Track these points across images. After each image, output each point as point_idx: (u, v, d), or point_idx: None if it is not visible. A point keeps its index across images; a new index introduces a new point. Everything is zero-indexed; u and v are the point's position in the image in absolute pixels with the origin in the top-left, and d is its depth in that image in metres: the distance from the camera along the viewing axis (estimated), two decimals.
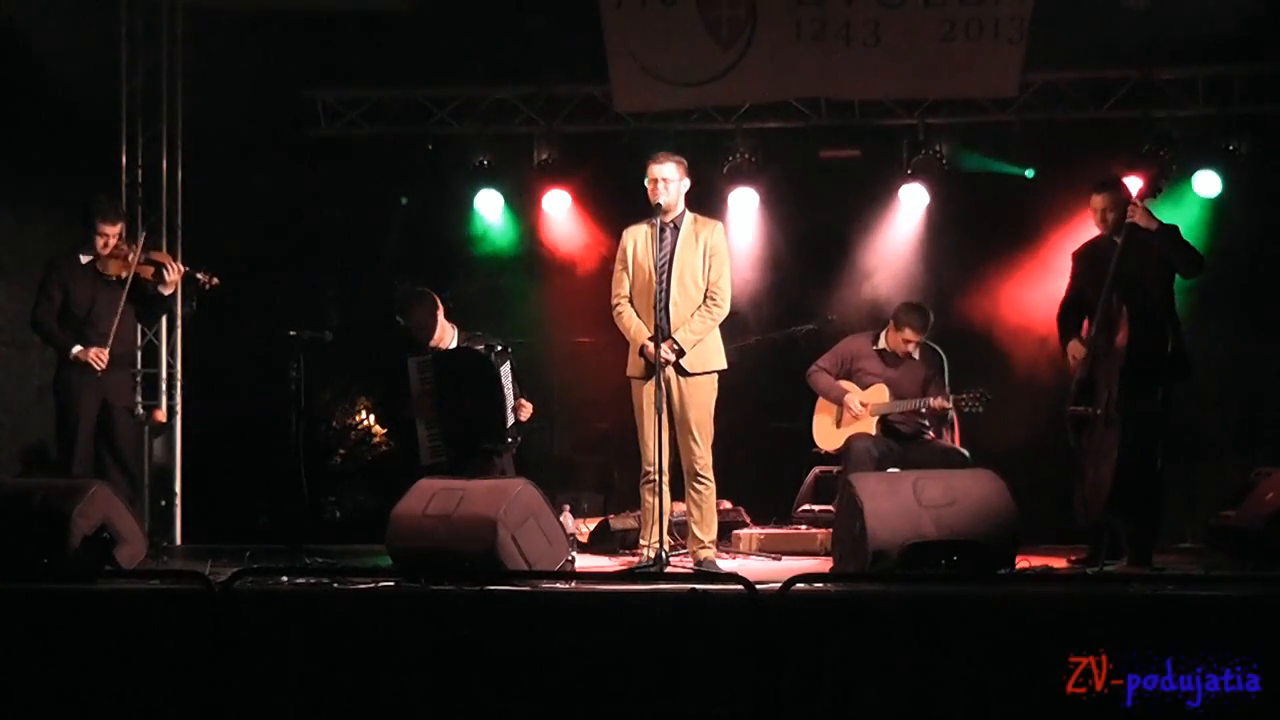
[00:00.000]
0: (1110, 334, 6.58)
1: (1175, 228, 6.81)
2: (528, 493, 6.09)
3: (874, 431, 7.57)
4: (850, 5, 8.52)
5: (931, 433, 7.66)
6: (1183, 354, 6.61)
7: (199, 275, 7.25)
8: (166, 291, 7.22)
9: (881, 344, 7.75)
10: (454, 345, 7.37)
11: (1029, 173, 9.14)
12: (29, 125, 8.35)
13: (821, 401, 7.87)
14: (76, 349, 7.07)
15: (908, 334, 7.61)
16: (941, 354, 7.74)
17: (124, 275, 7.16)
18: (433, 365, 7.22)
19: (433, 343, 7.36)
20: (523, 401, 7.27)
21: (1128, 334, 6.50)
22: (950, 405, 7.45)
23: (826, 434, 7.85)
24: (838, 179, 9.44)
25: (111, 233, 7.15)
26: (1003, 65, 8.54)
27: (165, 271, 7.15)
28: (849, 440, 7.49)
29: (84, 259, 7.19)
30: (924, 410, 7.52)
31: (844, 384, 7.74)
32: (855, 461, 7.26)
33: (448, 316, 7.46)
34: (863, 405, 7.61)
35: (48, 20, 8.15)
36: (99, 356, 7.03)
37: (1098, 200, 6.78)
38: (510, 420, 7.19)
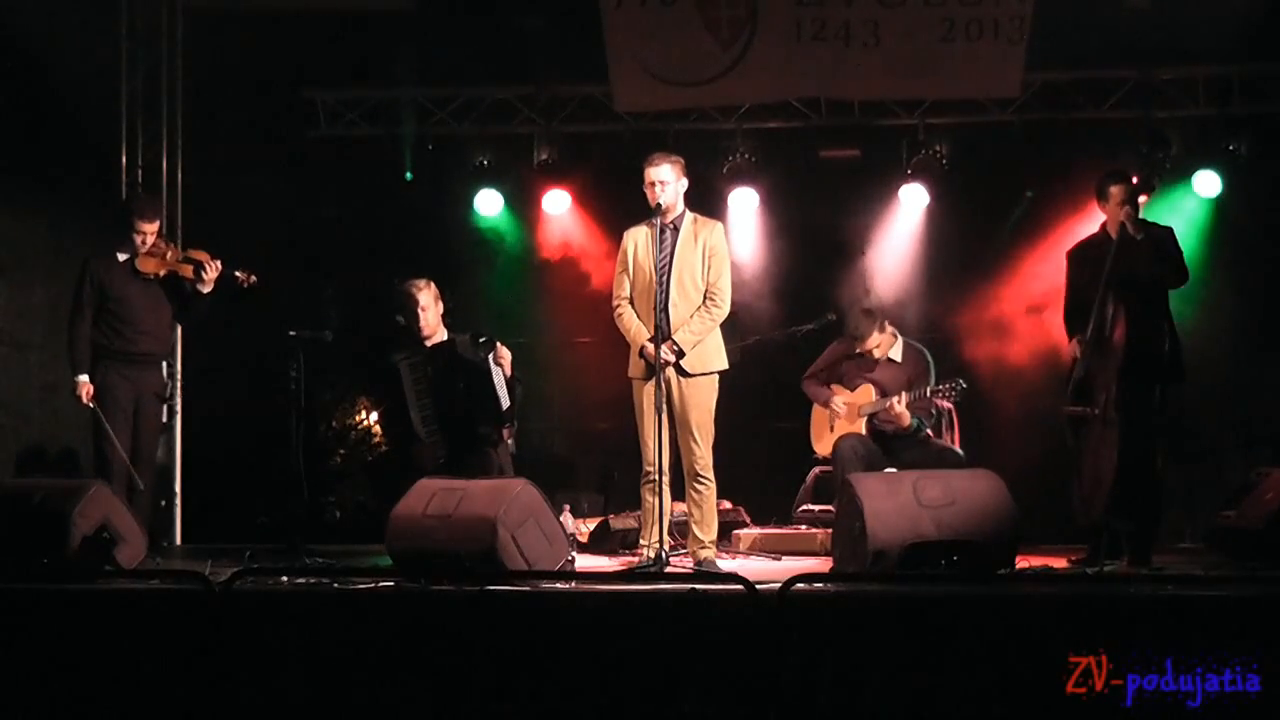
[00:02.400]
0: (1107, 333, 6.58)
1: (1170, 232, 6.80)
2: (528, 493, 6.09)
3: (863, 432, 7.58)
4: (850, 5, 8.52)
5: (929, 431, 7.64)
6: (1178, 354, 6.62)
7: (237, 274, 7.25)
8: (205, 290, 7.20)
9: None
10: (441, 340, 7.37)
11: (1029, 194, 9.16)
12: (29, 125, 8.35)
13: (816, 409, 7.90)
14: (81, 379, 7.11)
15: (859, 343, 7.61)
16: (927, 355, 7.72)
17: (160, 273, 7.23)
18: (422, 365, 7.24)
19: (421, 326, 7.31)
20: (499, 347, 7.21)
21: (1125, 333, 6.50)
22: (906, 414, 7.41)
23: (821, 439, 7.88)
24: (838, 179, 9.44)
25: (149, 230, 7.19)
26: (1003, 65, 8.54)
27: (204, 270, 7.16)
28: (837, 441, 7.49)
29: (121, 257, 7.23)
30: (889, 410, 7.48)
31: (834, 387, 7.77)
32: (844, 462, 7.26)
33: (446, 313, 7.44)
34: (845, 405, 7.62)
35: (48, 20, 8.15)
36: (87, 395, 7.10)
37: (1116, 192, 6.74)
38: (505, 404, 7.19)
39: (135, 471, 7.14)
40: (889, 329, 7.68)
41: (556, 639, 4.99)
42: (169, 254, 7.24)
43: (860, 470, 7.00)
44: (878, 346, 7.62)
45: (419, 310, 7.31)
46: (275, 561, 6.74)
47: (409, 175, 9.52)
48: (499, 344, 7.21)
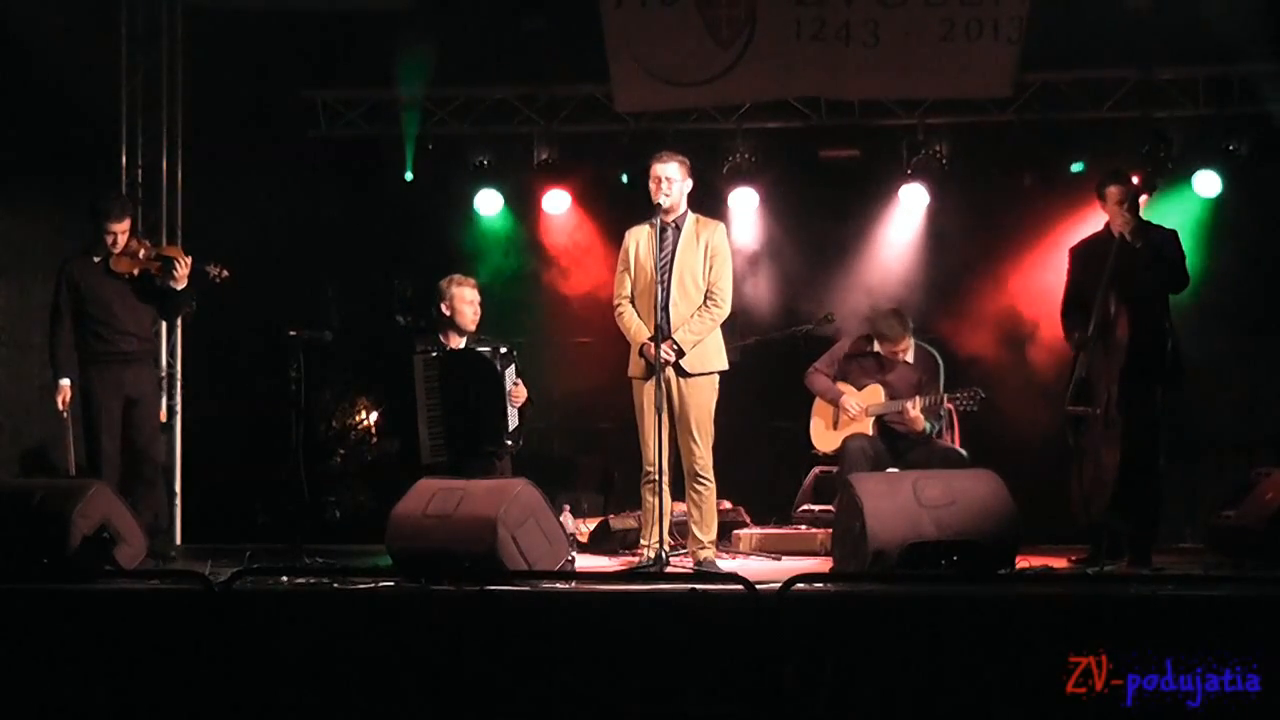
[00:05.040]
0: (1109, 333, 6.58)
1: (1174, 235, 6.80)
2: (528, 493, 6.09)
3: (870, 432, 7.57)
4: (850, 5, 8.52)
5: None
6: (1179, 354, 6.61)
7: (208, 268, 7.24)
8: (178, 286, 7.18)
9: (876, 346, 7.75)
10: (462, 346, 7.36)
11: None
12: (29, 125, 8.35)
13: (818, 403, 7.88)
14: (63, 383, 7.13)
15: (888, 345, 7.61)
16: (938, 358, 7.73)
17: (135, 272, 7.21)
18: (438, 364, 7.22)
19: (457, 321, 7.30)
20: (518, 383, 7.20)
21: (1127, 333, 6.50)
22: (921, 418, 7.41)
23: (823, 435, 7.85)
24: (838, 179, 9.43)
25: (119, 229, 7.18)
26: (1001, 65, 8.54)
27: (175, 266, 7.14)
28: (845, 441, 7.49)
29: (95, 258, 7.23)
30: (903, 413, 7.47)
31: (840, 385, 7.74)
32: (851, 462, 7.25)
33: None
34: (858, 406, 7.62)
35: (48, 20, 8.15)
36: (63, 401, 7.15)
37: (1114, 192, 6.73)
38: (513, 424, 7.17)
39: (132, 470, 7.14)
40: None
41: (556, 639, 4.99)
42: (142, 252, 7.23)
43: (867, 470, 7.01)
44: (905, 350, 7.62)
45: (464, 305, 7.27)
46: (275, 561, 6.74)
47: (409, 175, 9.51)
48: (519, 383, 7.18)
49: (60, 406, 7.18)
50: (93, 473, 7.07)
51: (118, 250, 7.19)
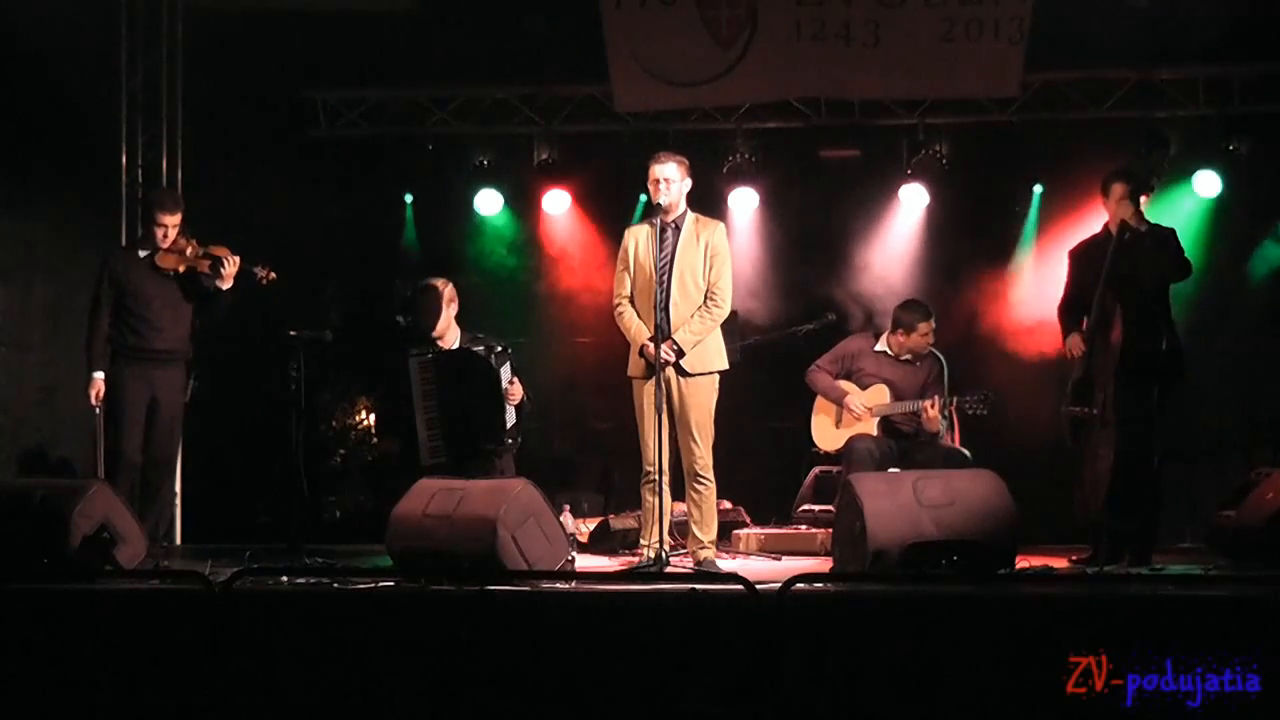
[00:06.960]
0: (1106, 334, 6.59)
1: (1172, 232, 6.81)
2: (528, 493, 6.10)
3: (875, 432, 7.56)
4: (850, 5, 8.51)
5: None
6: (1178, 353, 6.62)
7: (256, 269, 7.15)
8: (224, 285, 7.09)
9: (881, 345, 7.75)
10: (456, 345, 7.37)
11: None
12: (29, 125, 8.34)
13: (820, 401, 7.87)
14: (96, 376, 7.05)
15: (920, 330, 7.59)
16: (942, 359, 7.72)
17: (180, 269, 7.12)
18: (433, 365, 7.22)
19: (436, 333, 7.33)
20: (514, 380, 7.21)
21: (1122, 333, 6.51)
22: (940, 418, 7.40)
23: (826, 434, 7.84)
24: (838, 179, 9.43)
25: (170, 223, 7.09)
26: (1003, 65, 8.53)
27: (222, 265, 7.05)
28: (850, 440, 7.48)
29: (142, 253, 7.18)
30: (917, 413, 7.47)
31: (844, 384, 7.74)
32: (856, 462, 7.25)
33: (458, 315, 7.44)
34: (864, 406, 7.60)
35: (48, 20, 8.14)
36: (96, 395, 7.06)
37: (1119, 189, 6.74)
38: (510, 421, 7.18)
39: (148, 471, 7.12)
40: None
41: (556, 639, 4.99)
42: (189, 250, 7.12)
43: (873, 471, 7.00)
44: (926, 335, 7.59)
45: (439, 308, 7.29)
46: (275, 561, 6.74)
47: (409, 197, 9.53)
48: (515, 381, 7.19)
49: (93, 401, 7.09)
50: (111, 471, 7.03)
51: (166, 245, 7.10)
